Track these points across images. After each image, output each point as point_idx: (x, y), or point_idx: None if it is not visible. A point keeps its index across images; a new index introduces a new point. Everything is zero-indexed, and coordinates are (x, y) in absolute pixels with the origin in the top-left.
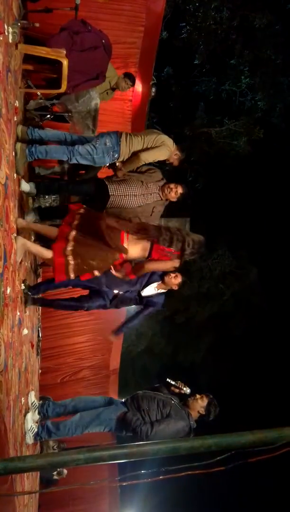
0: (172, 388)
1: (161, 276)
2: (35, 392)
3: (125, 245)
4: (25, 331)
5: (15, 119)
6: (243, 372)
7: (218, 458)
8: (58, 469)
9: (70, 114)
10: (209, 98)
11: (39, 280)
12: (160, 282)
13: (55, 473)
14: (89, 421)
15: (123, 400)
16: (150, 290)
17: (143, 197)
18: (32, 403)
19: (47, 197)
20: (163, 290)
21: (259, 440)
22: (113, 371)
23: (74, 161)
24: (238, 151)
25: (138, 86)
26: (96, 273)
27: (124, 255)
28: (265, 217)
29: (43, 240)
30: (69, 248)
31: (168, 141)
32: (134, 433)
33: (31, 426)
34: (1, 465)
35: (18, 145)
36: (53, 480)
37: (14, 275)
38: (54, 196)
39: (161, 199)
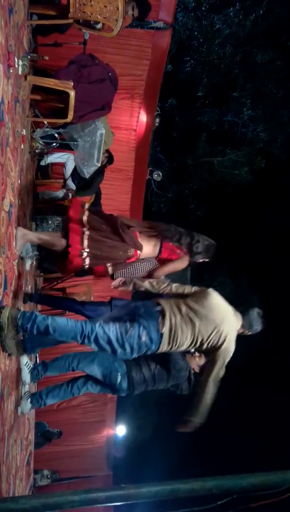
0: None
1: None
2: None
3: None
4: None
5: (22, 147)
6: (244, 405)
7: (219, 502)
8: None
9: (75, 143)
10: (212, 129)
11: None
12: None
13: None
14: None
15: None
16: None
17: None
18: (25, 363)
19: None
20: None
21: (262, 484)
22: (111, 399)
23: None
24: (240, 181)
25: (143, 117)
26: (110, 269)
27: (138, 252)
28: (266, 245)
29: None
30: (85, 242)
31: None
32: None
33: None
34: None
35: (7, 311)
36: None
37: (14, 301)
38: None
39: None
